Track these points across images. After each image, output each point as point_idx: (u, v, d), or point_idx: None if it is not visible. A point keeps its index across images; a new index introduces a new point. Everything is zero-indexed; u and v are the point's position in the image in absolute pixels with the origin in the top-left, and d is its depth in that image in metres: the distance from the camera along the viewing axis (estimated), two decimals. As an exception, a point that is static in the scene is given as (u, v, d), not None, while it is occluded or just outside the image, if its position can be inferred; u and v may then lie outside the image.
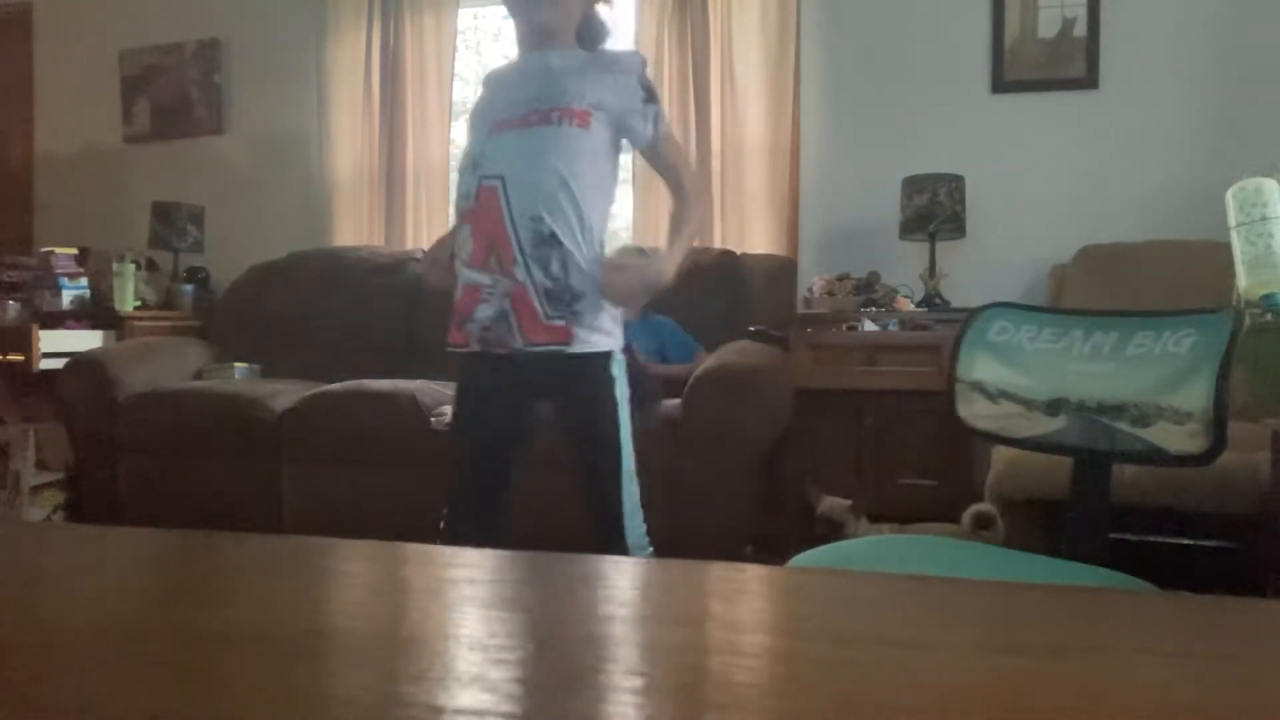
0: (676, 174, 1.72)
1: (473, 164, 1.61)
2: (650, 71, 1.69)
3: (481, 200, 1.57)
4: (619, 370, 1.62)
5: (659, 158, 1.70)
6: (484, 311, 1.57)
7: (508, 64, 1.78)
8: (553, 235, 1.54)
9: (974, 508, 2.27)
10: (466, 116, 1.80)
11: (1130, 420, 1.28)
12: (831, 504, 2.40)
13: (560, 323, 1.55)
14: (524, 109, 1.59)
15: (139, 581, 0.70)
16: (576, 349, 1.57)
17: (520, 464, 1.70)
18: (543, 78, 1.62)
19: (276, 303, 3.68)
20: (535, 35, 1.65)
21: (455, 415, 1.74)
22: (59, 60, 4.52)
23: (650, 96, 1.64)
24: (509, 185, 1.55)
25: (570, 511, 1.68)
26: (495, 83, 1.74)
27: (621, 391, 1.61)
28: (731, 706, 0.45)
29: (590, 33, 1.67)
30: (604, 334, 1.61)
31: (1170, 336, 1.29)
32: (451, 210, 3.89)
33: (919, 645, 0.53)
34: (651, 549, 1.68)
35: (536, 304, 1.54)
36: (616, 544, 1.61)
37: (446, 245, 1.74)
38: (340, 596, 0.67)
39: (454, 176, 3.95)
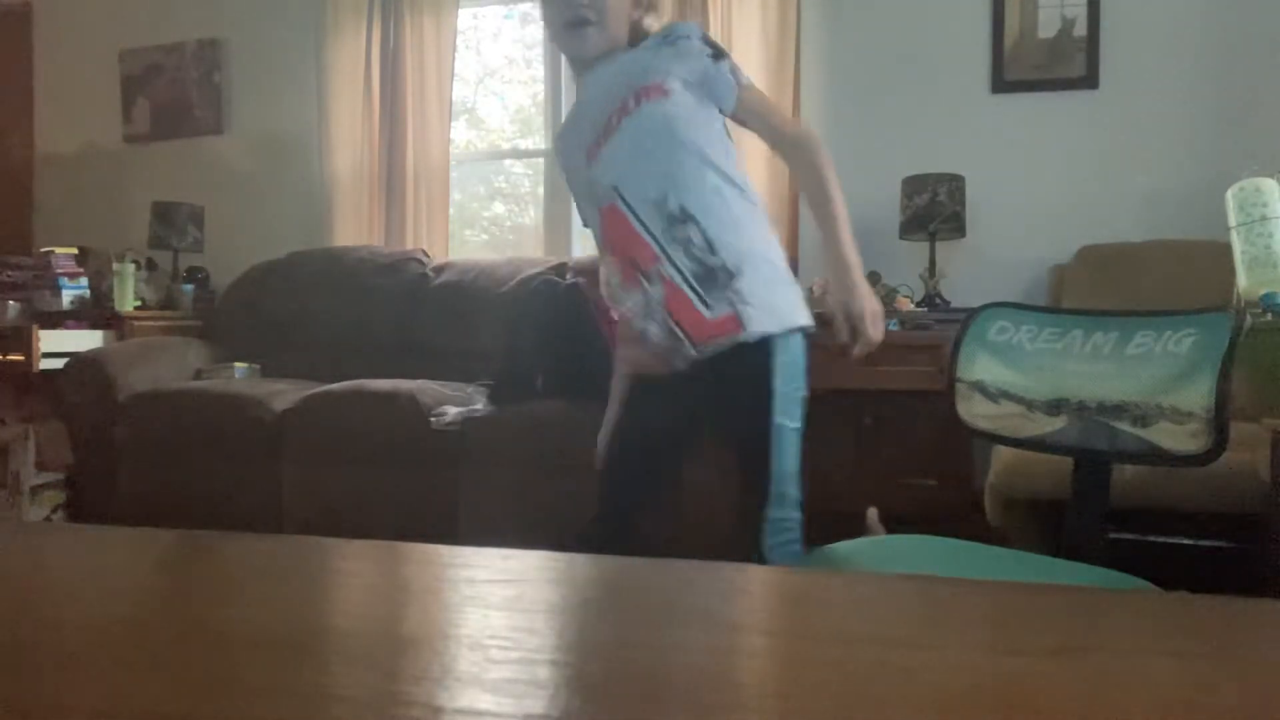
0: (770, 124, 1.53)
1: (590, 197, 1.54)
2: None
3: (608, 221, 1.49)
4: (786, 355, 1.42)
5: (750, 113, 1.52)
6: (652, 332, 1.45)
7: (571, 106, 1.68)
8: (682, 210, 1.42)
9: (872, 510, 2.37)
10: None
11: (1131, 420, 1.28)
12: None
13: (727, 311, 1.40)
14: (604, 118, 1.52)
15: (139, 581, 0.70)
16: (752, 334, 1.40)
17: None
18: (609, 84, 1.54)
19: (276, 303, 3.68)
20: (582, 60, 1.59)
21: (623, 433, 1.60)
22: (59, 60, 4.52)
23: (717, 53, 1.52)
24: (624, 191, 1.46)
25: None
26: (569, 127, 1.65)
27: (782, 382, 1.40)
28: (731, 706, 0.45)
29: (639, 37, 1.59)
30: (776, 312, 1.43)
31: (1171, 336, 1.28)
32: (451, 210, 3.93)
33: (919, 645, 0.53)
34: (797, 548, 1.45)
35: (692, 298, 1.40)
36: (753, 551, 1.44)
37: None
38: (340, 596, 0.67)
39: (454, 176, 3.96)
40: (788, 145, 1.54)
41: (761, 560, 1.41)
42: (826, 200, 1.46)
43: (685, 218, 1.41)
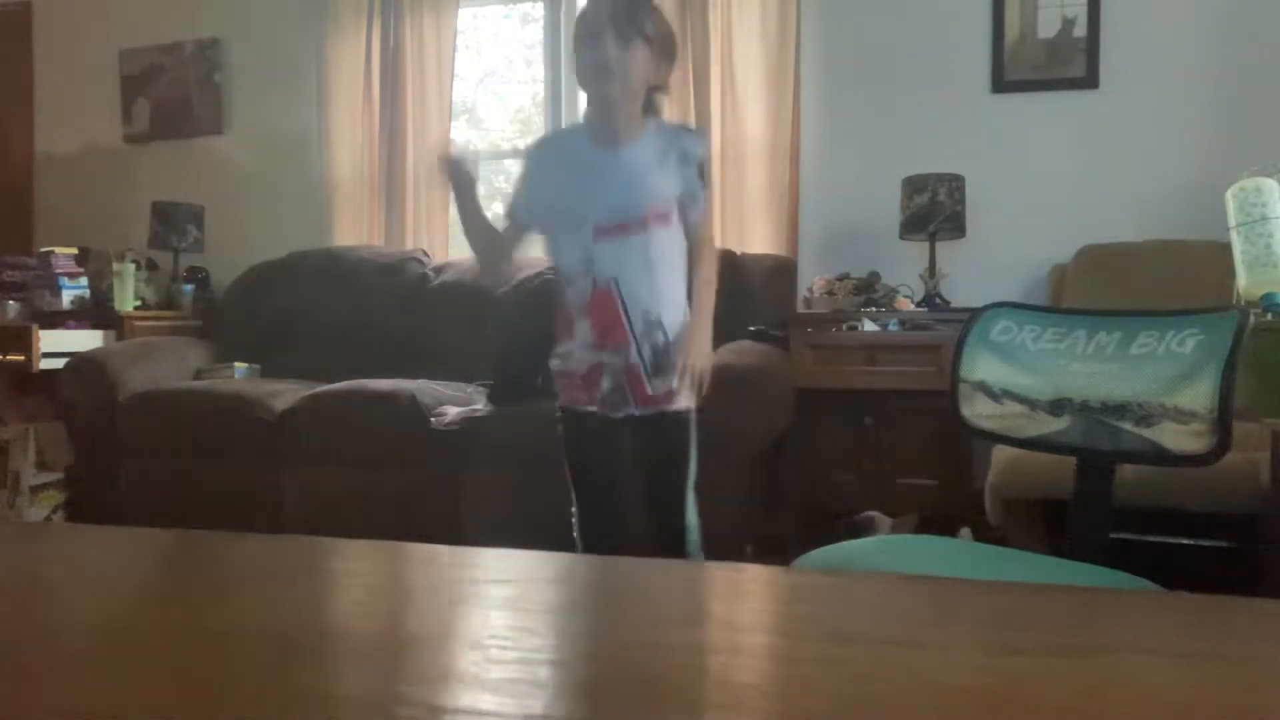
0: (699, 244, 1.92)
1: (583, 266, 1.83)
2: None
3: (597, 300, 1.83)
4: (694, 425, 1.91)
5: (691, 229, 1.90)
6: (605, 384, 1.87)
7: (568, 139, 1.94)
8: (659, 319, 1.84)
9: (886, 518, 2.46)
10: (519, 177, 1.94)
11: (1134, 420, 1.28)
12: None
13: (663, 390, 1.86)
14: (621, 215, 1.80)
15: (139, 581, 0.70)
16: (674, 409, 1.87)
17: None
18: (628, 178, 1.82)
19: (276, 303, 3.68)
20: (603, 108, 1.83)
21: (582, 465, 1.95)
22: (59, 60, 4.52)
23: (703, 181, 1.88)
24: (623, 287, 1.82)
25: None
26: (566, 167, 1.86)
27: (694, 446, 1.90)
28: (731, 706, 0.45)
29: (653, 103, 1.86)
30: (687, 396, 1.89)
31: (1174, 336, 1.28)
32: (452, 210, 3.92)
33: (919, 645, 0.53)
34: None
35: (644, 379, 1.86)
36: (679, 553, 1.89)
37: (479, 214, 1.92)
38: (340, 596, 0.67)
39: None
40: (702, 264, 1.92)
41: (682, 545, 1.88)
42: (711, 299, 1.91)
43: (659, 325, 1.85)
